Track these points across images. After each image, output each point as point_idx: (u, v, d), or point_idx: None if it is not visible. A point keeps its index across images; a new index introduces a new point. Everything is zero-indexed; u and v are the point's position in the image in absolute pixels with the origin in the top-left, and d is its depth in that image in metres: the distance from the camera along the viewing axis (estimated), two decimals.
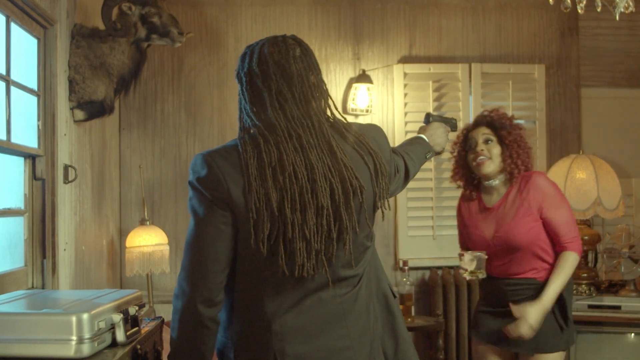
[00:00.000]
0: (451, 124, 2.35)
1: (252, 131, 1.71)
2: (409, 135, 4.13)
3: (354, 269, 1.75)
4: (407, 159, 2.07)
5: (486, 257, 2.77)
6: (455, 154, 2.95)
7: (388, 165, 1.83)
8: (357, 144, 1.76)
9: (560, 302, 2.74)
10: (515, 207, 2.78)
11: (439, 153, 2.30)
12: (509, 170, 2.80)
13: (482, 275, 2.78)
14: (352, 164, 1.71)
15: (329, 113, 1.78)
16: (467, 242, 2.95)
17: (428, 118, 2.33)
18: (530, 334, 2.67)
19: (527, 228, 2.74)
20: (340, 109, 4.25)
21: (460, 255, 2.82)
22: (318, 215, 1.65)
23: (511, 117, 2.88)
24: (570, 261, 2.74)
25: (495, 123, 2.83)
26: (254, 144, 1.68)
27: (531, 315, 2.66)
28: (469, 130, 2.90)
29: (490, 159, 2.80)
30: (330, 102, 1.78)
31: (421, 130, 2.31)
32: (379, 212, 1.81)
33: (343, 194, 1.68)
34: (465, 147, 2.89)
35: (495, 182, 2.85)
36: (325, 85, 1.78)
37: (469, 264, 2.76)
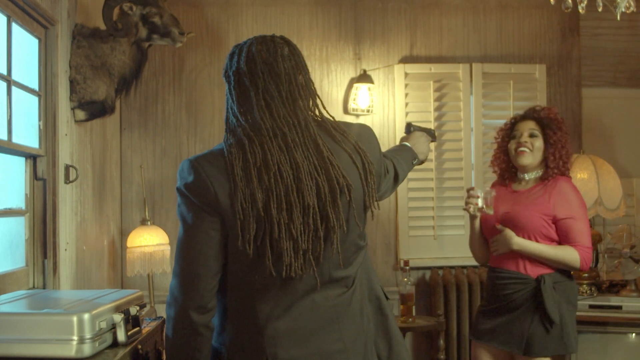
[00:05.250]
0: (431, 133, 2.38)
1: (237, 131, 1.69)
2: None
3: (346, 270, 1.74)
4: (396, 163, 2.05)
5: (494, 194, 2.85)
6: (499, 139, 3.02)
7: (377, 164, 1.82)
8: (345, 143, 1.74)
9: (542, 304, 2.75)
10: (535, 197, 2.84)
11: (422, 161, 2.29)
12: (550, 167, 2.86)
13: (489, 211, 2.84)
14: (339, 162, 1.69)
15: (317, 112, 1.77)
16: (481, 218, 2.99)
17: (409, 128, 2.35)
18: (492, 244, 2.86)
19: (537, 216, 2.80)
20: (341, 109, 4.26)
21: (469, 189, 2.88)
22: (304, 214, 1.64)
23: (561, 120, 2.93)
24: (569, 252, 2.77)
25: (544, 120, 2.90)
26: (239, 145, 1.67)
27: (500, 236, 2.81)
28: (516, 121, 2.97)
29: (532, 151, 2.88)
30: (318, 101, 1.77)
31: (403, 139, 2.30)
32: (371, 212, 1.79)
33: (330, 193, 1.66)
34: (510, 136, 2.96)
35: (531, 176, 2.92)
36: (313, 84, 1.77)
37: (480, 199, 2.84)
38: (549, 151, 2.86)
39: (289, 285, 1.68)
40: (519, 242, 2.78)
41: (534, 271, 2.79)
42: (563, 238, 2.80)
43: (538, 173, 2.91)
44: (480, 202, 2.84)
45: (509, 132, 2.97)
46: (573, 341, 2.78)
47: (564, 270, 2.82)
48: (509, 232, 2.79)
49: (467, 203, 2.88)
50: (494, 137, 3.07)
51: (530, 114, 2.95)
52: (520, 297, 2.79)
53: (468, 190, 2.90)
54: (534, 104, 4.29)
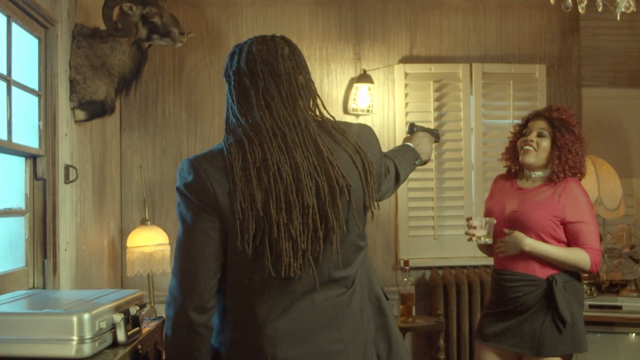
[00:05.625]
0: (434, 134, 2.36)
1: (237, 131, 1.69)
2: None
3: (346, 270, 1.74)
4: (398, 163, 2.05)
5: (495, 221, 2.81)
6: (513, 133, 3.00)
7: (377, 164, 1.81)
8: (345, 143, 1.74)
9: (553, 304, 2.74)
10: (543, 197, 2.81)
11: (425, 162, 2.27)
12: (555, 170, 2.82)
13: (488, 241, 2.82)
14: (339, 162, 1.69)
15: (317, 112, 1.76)
16: (485, 214, 2.99)
17: (412, 128, 2.34)
18: (500, 247, 2.81)
19: (545, 217, 2.77)
20: (341, 109, 4.26)
21: (468, 219, 2.86)
22: (304, 214, 1.64)
23: (574, 123, 2.87)
24: (580, 254, 2.75)
25: (555, 121, 2.85)
26: (238, 145, 1.67)
27: (508, 238, 2.77)
28: (529, 119, 2.95)
29: (536, 151, 2.85)
30: (318, 101, 1.77)
31: (406, 140, 2.29)
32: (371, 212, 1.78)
33: (329, 193, 1.66)
34: (522, 132, 2.94)
35: (537, 175, 2.89)
36: (313, 84, 1.77)
37: (479, 229, 2.80)
38: (554, 153, 2.82)
39: (288, 285, 1.68)
40: (531, 244, 2.75)
41: (543, 272, 2.77)
42: (572, 240, 2.78)
43: (545, 173, 2.87)
44: (478, 232, 2.81)
45: (522, 128, 2.95)
46: (583, 340, 2.78)
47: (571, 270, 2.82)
48: (520, 234, 2.76)
49: (466, 232, 2.86)
50: (511, 131, 3.06)
51: (542, 113, 2.91)
52: (531, 299, 2.76)
53: (467, 220, 2.87)
54: (533, 104, 4.33)
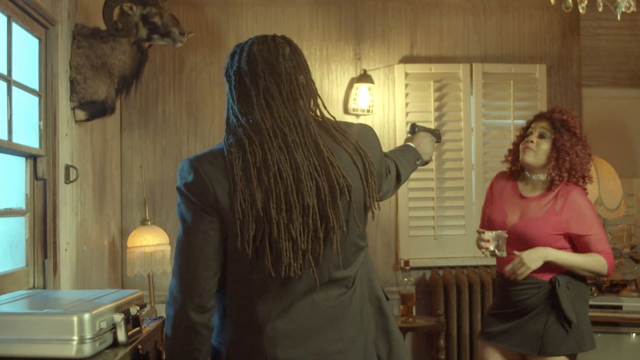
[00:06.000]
0: (436, 134, 2.35)
1: (238, 131, 1.69)
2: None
3: (346, 270, 1.74)
4: (399, 163, 2.05)
5: (507, 235, 2.77)
6: (517, 136, 2.99)
7: (378, 165, 1.81)
8: (346, 143, 1.74)
9: (557, 305, 2.73)
10: (546, 209, 2.78)
11: (427, 162, 2.27)
12: (552, 173, 2.79)
13: (502, 254, 2.78)
14: (339, 162, 1.69)
15: (318, 112, 1.76)
16: (486, 221, 2.95)
17: (414, 128, 2.33)
18: (520, 267, 2.71)
19: (548, 230, 2.75)
20: (341, 109, 4.26)
21: (480, 232, 2.82)
22: (304, 214, 1.64)
23: (574, 125, 2.83)
24: (597, 259, 2.73)
25: (556, 123, 2.82)
26: (239, 145, 1.67)
27: (527, 253, 2.71)
28: (533, 120, 2.93)
29: (535, 151, 2.82)
30: (319, 101, 1.77)
31: (408, 140, 2.29)
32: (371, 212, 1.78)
33: (330, 193, 1.66)
34: (525, 135, 2.91)
35: (538, 177, 2.85)
36: (314, 84, 1.77)
37: (491, 243, 2.77)
38: (553, 155, 2.79)
39: (288, 285, 1.68)
40: (554, 254, 2.71)
41: (546, 274, 2.75)
42: (584, 250, 2.76)
43: (545, 176, 2.83)
44: (491, 246, 2.77)
45: (526, 130, 2.92)
46: (587, 339, 2.77)
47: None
48: (539, 249, 2.72)
49: (479, 246, 2.83)
50: (516, 134, 3.04)
51: (544, 115, 2.89)
52: (535, 301, 2.76)
53: (478, 232, 2.84)
54: (534, 104, 4.33)
